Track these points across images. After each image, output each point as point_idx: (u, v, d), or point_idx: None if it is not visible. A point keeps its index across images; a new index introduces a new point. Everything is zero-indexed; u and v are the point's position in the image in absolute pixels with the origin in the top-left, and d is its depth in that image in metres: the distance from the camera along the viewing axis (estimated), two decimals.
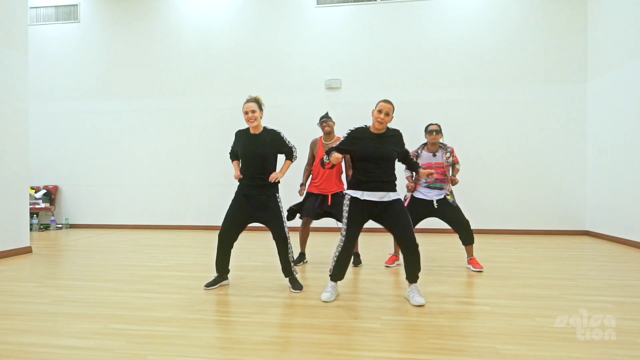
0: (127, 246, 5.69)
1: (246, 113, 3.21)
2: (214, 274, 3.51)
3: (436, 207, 3.95)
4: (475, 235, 4.10)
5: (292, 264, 3.34)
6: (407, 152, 3.19)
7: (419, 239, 3.03)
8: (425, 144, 4.06)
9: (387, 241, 5.01)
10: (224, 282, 3.47)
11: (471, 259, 4.07)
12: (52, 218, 7.68)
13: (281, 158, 3.38)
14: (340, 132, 4.27)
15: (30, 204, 7.22)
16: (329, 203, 4.07)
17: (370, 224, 3.10)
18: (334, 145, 3.12)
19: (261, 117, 3.28)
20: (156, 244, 5.92)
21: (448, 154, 4.00)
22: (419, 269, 3.01)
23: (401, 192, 3.16)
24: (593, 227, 6.51)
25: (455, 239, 4.68)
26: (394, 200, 2.96)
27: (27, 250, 5.09)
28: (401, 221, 2.92)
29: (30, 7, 7.90)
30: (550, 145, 6.72)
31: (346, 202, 3.02)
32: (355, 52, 7.15)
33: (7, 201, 4.86)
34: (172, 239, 6.33)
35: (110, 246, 5.70)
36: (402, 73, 7.03)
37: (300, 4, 7.29)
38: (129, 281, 3.65)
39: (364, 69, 7.12)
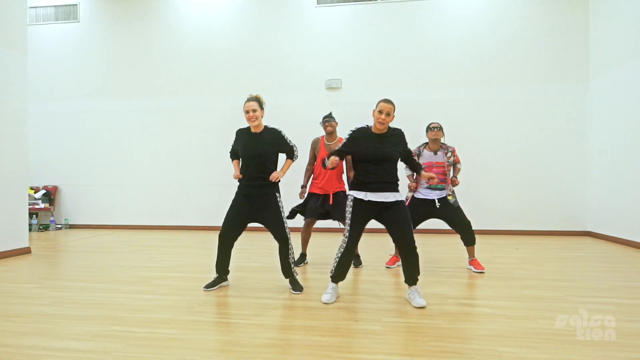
0: (127, 247, 5.67)
1: (247, 112, 3.19)
2: (213, 275, 3.49)
3: (438, 206, 3.93)
4: (476, 236, 4.08)
5: (292, 265, 3.32)
6: (409, 151, 3.14)
7: (419, 239, 3.02)
8: (426, 143, 4.05)
9: (387, 242, 5.00)
10: (224, 283, 3.46)
11: (472, 260, 4.06)
12: (52, 218, 7.67)
13: (282, 158, 3.37)
14: (341, 132, 4.27)
15: (29, 204, 7.20)
16: (330, 202, 4.06)
17: (371, 224, 3.08)
18: (337, 148, 3.11)
19: (262, 116, 3.26)
20: (156, 244, 5.90)
21: (449, 154, 3.98)
22: (417, 272, 3.00)
23: (402, 191, 3.14)
24: (594, 228, 6.49)
25: (455, 239, 4.66)
26: (396, 202, 2.94)
27: (26, 251, 5.07)
28: (401, 223, 2.91)
29: (30, 7, 7.88)
30: (551, 145, 6.70)
31: (349, 203, 3.00)
32: (355, 51, 7.13)
33: (6, 201, 4.85)
34: (171, 240, 6.31)
35: (110, 247, 5.69)
36: (403, 73, 7.01)
37: (300, 3, 7.27)
38: (128, 282, 3.64)
39: (364, 68, 7.10)
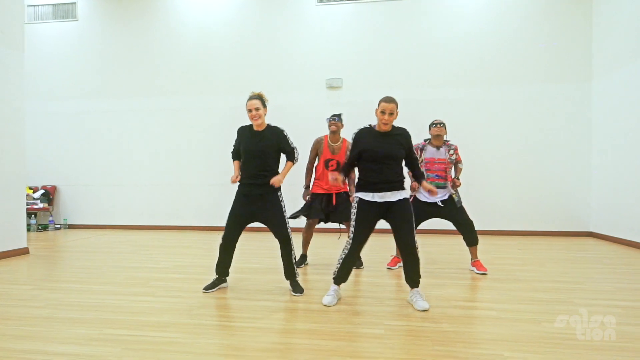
0: (126, 247, 5.62)
1: (250, 111, 3.13)
2: (213, 276, 3.44)
3: (440, 206, 3.89)
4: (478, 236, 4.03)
5: (295, 267, 3.27)
6: (414, 157, 3.04)
7: (421, 240, 2.96)
8: (429, 139, 4.00)
9: (388, 243, 4.94)
10: (223, 285, 3.41)
11: (475, 261, 4.01)
12: (51, 218, 7.62)
13: (283, 157, 3.31)
14: (343, 132, 4.22)
15: (28, 204, 7.16)
16: (334, 203, 4.01)
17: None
18: (346, 161, 3.09)
19: (265, 114, 3.20)
20: (155, 244, 5.85)
21: (452, 151, 3.94)
22: (418, 275, 2.95)
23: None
24: (596, 228, 6.44)
25: (457, 240, 4.61)
26: (401, 200, 2.88)
27: (24, 252, 5.02)
28: (404, 223, 2.86)
29: (28, 5, 7.83)
30: (552, 145, 6.64)
31: (354, 204, 2.95)
32: (356, 51, 7.08)
33: (5, 201, 4.80)
34: (171, 240, 6.26)
35: (109, 247, 5.64)
36: (403, 72, 6.96)
37: (300, 2, 7.22)
38: (127, 284, 3.59)
39: (365, 68, 7.05)
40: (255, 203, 3.18)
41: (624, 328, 2.48)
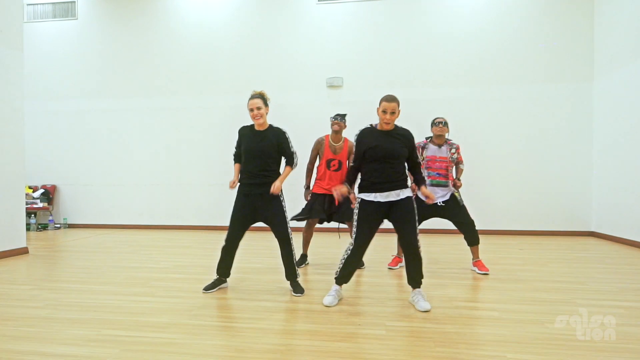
0: (126, 247, 5.60)
1: (251, 110, 3.10)
2: (213, 277, 3.41)
3: (442, 205, 3.87)
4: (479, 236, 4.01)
5: (295, 267, 3.24)
6: (416, 160, 2.98)
7: (422, 239, 2.92)
8: (431, 137, 3.98)
9: (389, 242, 4.92)
10: (223, 285, 3.39)
11: (477, 261, 3.98)
12: (50, 218, 7.60)
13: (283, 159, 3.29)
14: (345, 132, 4.19)
15: (28, 204, 7.14)
16: (337, 203, 3.99)
17: None
18: (352, 164, 3.00)
19: (267, 113, 3.17)
20: (155, 244, 5.83)
21: (453, 150, 3.92)
22: (420, 276, 2.92)
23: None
24: (598, 228, 6.41)
25: (458, 239, 4.59)
26: (405, 198, 2.84)
27: (23, 251, 5.00)
28: (407, 223, 2.83)
29: (27, 4, 7.80)
30: (554, 145, 6.61)
31: (356, 204, 2.92)
32: (356, 50, 7.05)
33: (4, 201, 4.78)
34: (171, 240, 6.24)
35: (109, 247, 5.62)
36: (404, 71, 6.93)
37: (300, 1, 7.18)
38: (126, 284, 3.56)
39: (365, 66, 7.02)
40: (256, 202, 3.16)
41: (627, 329, 2.46)
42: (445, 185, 3.92)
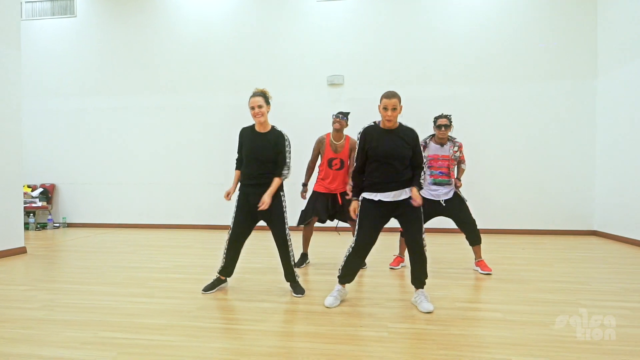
0: (125, 246, 5.56)
1: (252, 108, 3.03)
2: (212, 277, 3.37)
3: (444, 205, 3.82)
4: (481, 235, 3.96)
5: (294, 269, 3.20)
6: (418, 160, 2.83)
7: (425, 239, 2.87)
8: (433, 135, 3.92)
9: (390, 242, 4.86)
10: (223, 285, 3.34)
11: (479, 261, 3.94)
12: (49, 217, 7.55)
13: None
14: (347, 131, 4.14)
15: (26, 203, 7.10)
16: (340, 202, 3.94)
17: None
18: (356, 165, 2.90)
19: (268, 112, 3.11)
20: (154, 244, 5.79)
21: (456, 148, 3.87)
22: (425, 275, 2.88)
23: None
24: (600, 227, 6.36)
25: (460, 239, 4.54)
26: (409, 198, 2.78)
27: (21, 251, 4.96)
28: (413, 222, 2.79)
29: (26, 2, 7.74)
30: (556, 143, 6.56)
31: (359, 203, 2.88)
32: (357, 47, 6.99)
33: (1, 200, 4.73)
34: (170, 239, 6.19)
35: (108, 246, 5.57)
36: (405, 68, 6.87)
37: None
38: (124, 284, 3.52)
39: (366, 64, 6.96)
40: (257, 202, 3.10)
41: (632, 331, 2.42)
42: (448, 184, 3.87)
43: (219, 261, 3.32)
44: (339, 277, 2.96)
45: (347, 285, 3.04)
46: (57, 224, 7.63)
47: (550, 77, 6.57)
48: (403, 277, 3.77)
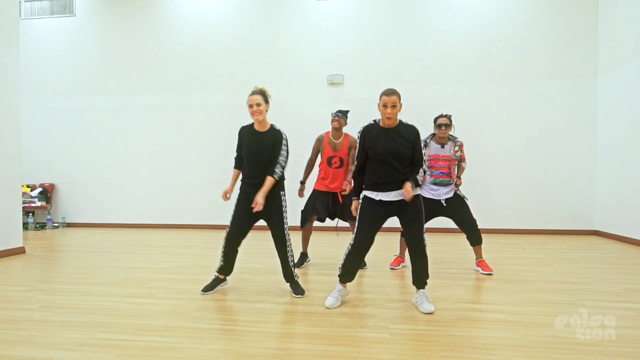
0: (124, 246, 5.53)
1: (251, 106, 3.00)
2: (211, 277, 3.34)
3: (445, 205, 3.79)
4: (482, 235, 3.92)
5: (293, 268, 3.17)
6: (418, 157, 2.76)
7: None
8: (434, 134, 3.89)
9: (391, 242, 4.84)
10: (222, 284, 3.31)
11: (480, 261, 3.91)
12: (49, 217, 7.53)
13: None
14: (348, 130, 4.11)
15: (26, 203, 7.08)
16: (340, 201, 3.92)
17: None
18: (356, 164, 2.89)
19: (267, 111, 3.08)
20: (154, 244, 5.76)
21: (457, 148, 3.83)
22: (426, 275, 2.85)
23: None
24: (602, 227, 6.33)
25: (460, 239, 4.52)
26: (412, 197, 2.75)
27: (20, 251, 4.93)
28: (415, 221, 2.76)
29: (25, 1, 7.70)
30: (557, 142, 6.53)
31: (360, 200, 2.86)
32: (357, 46, 6.95)
33: (0, 200, 4.70)
34: (170, 239, 6.17)
35: (107, 246, 5.55)
36: (406, 68, 6.83)
37: None
38: (123, 285, 3.49)
39: (366, 64, 6.93)
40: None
41: (636, 332, 2.40)
42: (449, 184, 3.85)
43: (218, 261, 3.29)
44: (339, 276, 2.93)
45: (348, 285, 3.01)
46: (57, 224, 7.60)
47: (551, 77, 6.53)
48: (404, 277, 3.75)
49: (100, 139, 7.64)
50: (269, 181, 2.98)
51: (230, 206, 3.21)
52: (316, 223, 4.21)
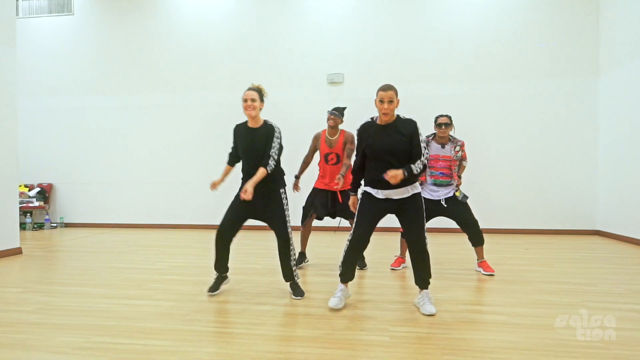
0: (123, 247, 5.49)
1: (245, 101, 2.95)
2: (211, 278, 3.29)
3: (445, 205, 3.75)
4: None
5: (294, 268, 3.13)
6: (416, 150, 2.66)
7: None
8: (434, 134, 3.85)
9: (392, 242, 4.80)
10: (226, 282, 3.27)
11: (481, 262, 3.87)
12: (47, 217, 7.48)
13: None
14: (347, 128, 4.06)
15: (23, 203, 7.04)
16: (340, 200, 3.87)
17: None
18: (354, 164, 2.89)
19: (261, 109, 3.04)
20: (152, 244, 5.72)
21: (458, 148, 3.79)
22: (428, 275, 2.80)
23: None
24: (603, 227, 6.29)
25: (461, 239, 4.48)
26: (412, 196, 2.72)
27: (17, 252, 4.89)
28: (415, 220, 2.72)
29: None
30: (559, 141, 6.49)
31: (359, 196, 2.83)
32: (358, 45, 6.91)
33: None
34: (169, 239, 6.13)
35: (105, 247, 5.51)
36: (406, 67, 6.79)
37: None
38: (121, 286, 3.45)
39: (367, 63, 6.88)
40: (257, 201, 3.03)
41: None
42: (449, 185, 3.80)
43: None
44: (340, 275, 2.88)
45: (349, 286, 2.96)
46: (55, 224, 7.56)
47: (552, 76, 6.49)
48: (404, 278, 3.71)
49: (99, 139, 7.59)
50: (261, 172, 2.93)
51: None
52: (316, 222, 4.18)
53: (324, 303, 2.88)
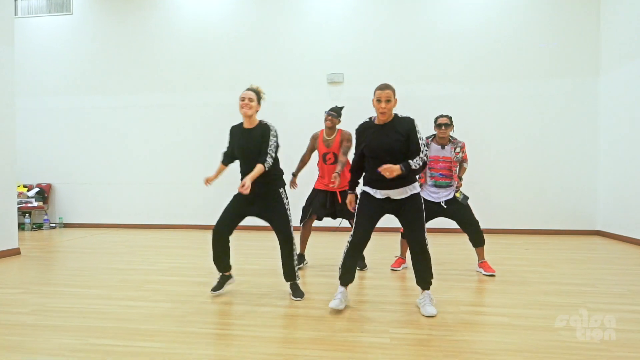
0: (122, 247, 5.46)
1: (242, 99, 2.94)
2: (210, 278, 3.28)
3: (445, 207, 3.73)
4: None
5: (295, 268, 3.10)
6: (414, 148, 2.61)
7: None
8: (434, 135, 3.83)
9: (392, 242, 4.78)
10: (230, 281, 3.24)
11: (482, 262, 3.85)
12: (45, 217, 7.46)
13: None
14: (347, 128, 4.04)
15: (22, 203, 7.02)
16: (340, 201, 3.85)
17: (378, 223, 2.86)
18: (353, 162, 2.90)
19: (257, 111, 3.03)
20: (151, 244, 5.70)
21: (458, 149, 3.77)
22: (429, 275, 2.78)
23: None
24: (604, 227, 6.27)
25: (462, 239, 4.46)
26: (411, 196, 2.70)
27: (15, 252, 4.87)
28: (415, 221, 2.70)
29: None
30: (559, 141, 6.47)
31: (358, 196, 2.82)
32: (358, 45, 6.89)
33: None
34: (168, 239, 6.11)
35: (104, 247, 5.48)
36: (407, 67, 6.77)
37: None
38: (118, 287, 3.43)
39: (367, 62, 6.86)
40: (256, 201, 3.01)
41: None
42: (449, 186, 3.78)
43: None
44: (339, 277, 2.85)
45: (348, 288, 2.94)
46: (54, 224, 7.53)
47: (552, 76, 6.47)
48: (405, 279, 3.68)
49: (98, 139, 7.57)
50: (258, 168, 2.90)
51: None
52: (316, 223, 4.16)
53: (324, 304, 2.86)
